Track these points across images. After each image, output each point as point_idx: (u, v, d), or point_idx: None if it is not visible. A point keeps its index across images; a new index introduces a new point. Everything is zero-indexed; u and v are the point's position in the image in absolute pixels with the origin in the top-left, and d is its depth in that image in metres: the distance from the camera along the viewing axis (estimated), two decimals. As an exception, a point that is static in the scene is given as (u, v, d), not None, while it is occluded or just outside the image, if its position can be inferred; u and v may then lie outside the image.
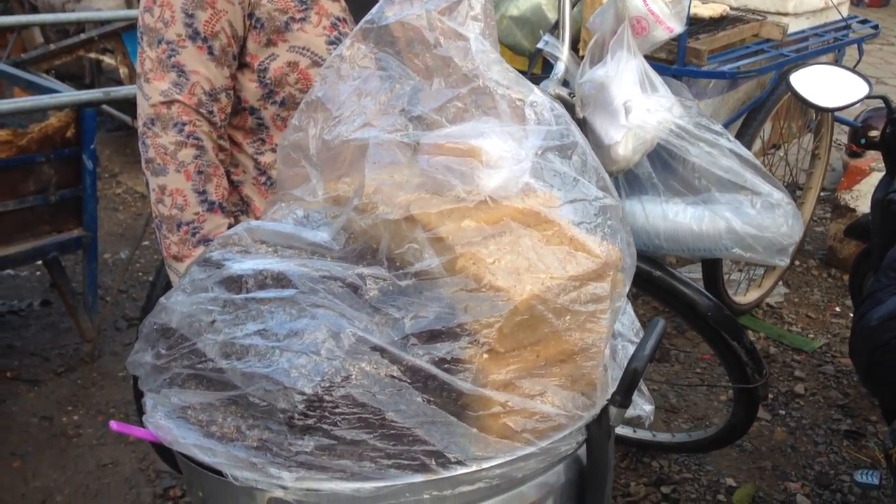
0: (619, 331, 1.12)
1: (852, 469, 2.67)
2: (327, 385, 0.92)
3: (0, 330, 3.50)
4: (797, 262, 4.00)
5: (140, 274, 4.00)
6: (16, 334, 3.48)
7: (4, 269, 3.22)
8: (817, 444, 2.81)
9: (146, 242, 4.19)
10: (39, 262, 3.67)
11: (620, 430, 2.63)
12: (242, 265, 1.04)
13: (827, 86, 2.33)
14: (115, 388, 3.14)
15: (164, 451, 2.34)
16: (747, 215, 2.06)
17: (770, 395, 3.05)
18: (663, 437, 2.74)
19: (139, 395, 1.08)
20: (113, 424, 1.02)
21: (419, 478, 0.91)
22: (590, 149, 1.05)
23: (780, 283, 3.75)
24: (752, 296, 3.57)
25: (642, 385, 1.06)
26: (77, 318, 3.22)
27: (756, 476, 2.67)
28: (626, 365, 0.99)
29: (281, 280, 1.01)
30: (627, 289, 1.04)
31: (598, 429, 1.01)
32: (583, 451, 1.05)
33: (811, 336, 3.47)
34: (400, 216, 1.00)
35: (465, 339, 0.94)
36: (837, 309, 3.68)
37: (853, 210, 3.83)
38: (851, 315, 3.60)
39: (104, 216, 4.48)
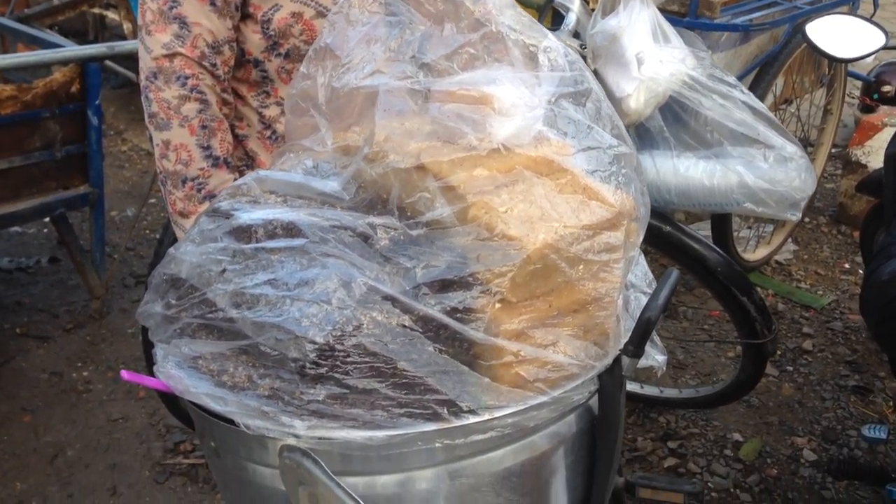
0: (632, 282, 1.11)
1: (859, 424, 2.68)
2: (339, 334, 0.91)
3: (8, 287, 3.51)
4: (807, 219, 3.98)
5: (147, 231, 3.99)
6: (24, 291, 3.49)
7: (12, 226, 3.22)
8: (825, 400, 2.82)
9: (153, 200, 4.18)
10: (47, 220, 3.67)
11: (628, 386, 2.63)
12: (252, 215, 1.03)
13: (843, 36, 2.29)
14: (125, 345, 3.16)
15: (173, 406, 2.35)
16: (760, 169, 2.03)
17: (778, 352, 3.05)
18: (670, 392, 2.75)
19: (149, 348, 1.08)
20: (124, 374, 1.02)
21: (431, 426, 0.91)
22: (604, 96, 1.03)
23: (790, 239, 3.73)
24: (761, 253, 3.56)
25: (655, 335, 1.06)
26: (85, 274, 3.23)
27: (763, 431, 2.68)
28: (639, 315, 0.98)
29: (291, 230, 1.00)
30: (641, 239, 1.03)
31: (610, 379, 1.00)
32: (594, 402, 1.04)
33: (820, 293, 3.46)
34: (411, 165, 0.99)
35: (477, 289, 0.94)
36: (847, 265, 3.66)
37: (865, 166, 3.80)
38: (861, 271, 3.58)
39: (110, 173, 4.47)
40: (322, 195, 1.04)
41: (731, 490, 2.43)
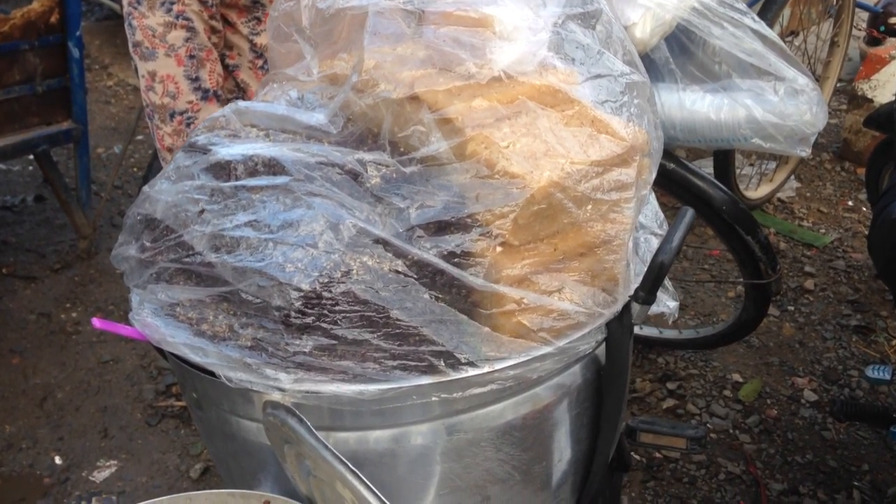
0: (642, 223, 1.04)
1: (861, 365, 2.64)
2: (326, 281, 0.84)
3: (-7, 226, 3.43)
4: (809, 156, 3.89)
5: (135, 169, 3.90)
6: (10, 230, 3.41)
7: (-6, 163, 3.13)
8: (826, 340, 2.78)
9: (140, 136, 4.08)
10: (31, 157, 3.58)
11: (627, 327, 2.59)
12: (231, 150, 0.95)
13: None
14: (114, 285, 3.09)
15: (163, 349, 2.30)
16: (769, 102, 1.94)
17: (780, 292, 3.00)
18: (670, 333, 2.71)
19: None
20: (95, 322, 0.95)
21: (427, 380, 0.85)
22: (615, 17, 0.94)
23: (792, 177, 3.66)
24: (763, 190, 3.48)
25: (667, 280, 0.99)
26: (71, 213, 3.15)
27: (763, 372, 2.64)
28: (651, 258, 0.91)
29: (273, 166, 0.92)
30: (654, 176, 0.95)
31: (618, 327, 0.93)
32: (601, 351, 0.98)
33: (822, 231, 3.40)
34: (403, 95, 0.90)
35: (477, 231, 0.86)
36: (850, 203, 3.59)
37: (870, 100, 3.70)
38: (865, 209, 3.52)
39: (95, 109, 4.35)
40: (307, 129, 0.96)
41: (731, 431, 2.40)
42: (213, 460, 1.13)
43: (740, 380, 2.60)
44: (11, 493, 2.23)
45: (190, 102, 1.51)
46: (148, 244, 0.96)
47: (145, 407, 2.53)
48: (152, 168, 2.19)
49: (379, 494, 0.76)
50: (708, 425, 2.43)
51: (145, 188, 0.99)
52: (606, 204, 0.89)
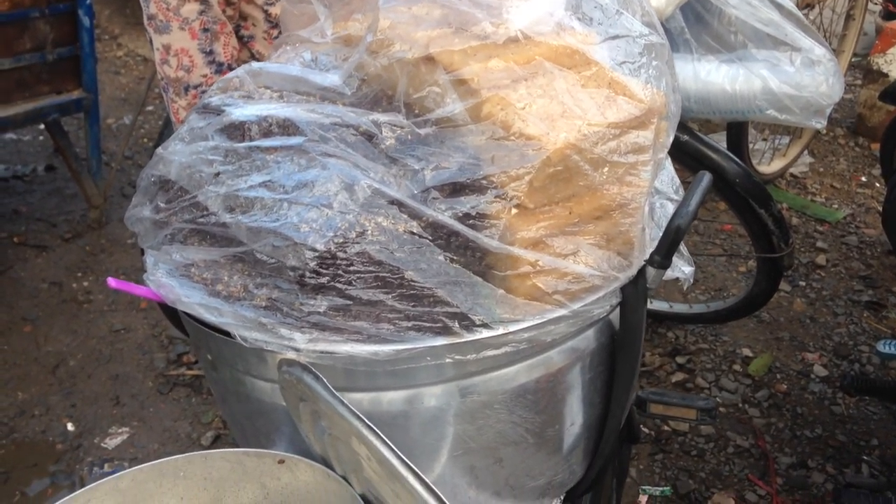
0: (658, 188, 1.03)
1: (872, 340, 2.64)
2: (341, 241, 0.84)
3: (5, 195, 3.44)
4: (823, 131, 3.86)
5: (145, 140, 3.90)
6: (21, 199, 3.42)
7: (4, 132, 3.13)
8: (837, 315, 2.77)
9: (150, 107, 4.07)
10: (42, 127, 3.58)
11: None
12: (245, 111, 0.94)
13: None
14: (125, 255, 3.10)
15: (175, 317, 2.31)
16: (785, 73, 1.92)
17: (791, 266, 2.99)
18: (680, 307, 2.70)
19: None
20: (111, 281, 0.95)
21: (441, 341, 0.84)
22: (635, -23, 0.93)
23: (805, 152, 3.63)
24: (777, 165, 3.46)
25: (682, 246, 0.98)
26: (82, 183, 3.15)
27: (773, 347, 2.64)
28: (667, 222, 0.90)
29: (287, 127, 0.91)
30: (671, 139, 0.94)
31: (634, 291, 0.93)
32: (615, 315, 0.98)
33: (835, 206, 3.38)
34: (418, 56, 0.90)
35: (492, 193, 0.85)
36: (863, 178, 3.57)
37: (886, 75, 3.66)
38: (878, 185, 3.49)
39: (105, 80, 4.35)
40: (321, 90, 0.95)
41: (740, 405, 2.40)
42: (227, 422, 1.14)
43: (750, 354, 2.60)
44: (25, 459, 2.25)
45: (204, 76, 1.50)
46: (162, 205, 0.96)
47: (157, 376, 2.54)
48: (162, 137, 2.18)
49: (394, 448, 0.76)
50: (717, 399, 2.43)
51: (159, 150, 0.99)
52: (623, 167, 0.88)
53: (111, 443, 2.30)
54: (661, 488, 2.13)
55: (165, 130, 2.15)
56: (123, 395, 2.47)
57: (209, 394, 2.47)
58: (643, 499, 2.12)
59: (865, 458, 2.20)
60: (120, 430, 2.35)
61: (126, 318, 2.79)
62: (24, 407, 2.42)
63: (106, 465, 2.23)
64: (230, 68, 1.53)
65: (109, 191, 3.32)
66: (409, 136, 0.89)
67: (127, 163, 3.65)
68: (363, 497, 0.88)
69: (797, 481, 2.13)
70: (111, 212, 3.32)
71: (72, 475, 2.19)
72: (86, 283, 2.96)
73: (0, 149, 3.73)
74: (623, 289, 0.93)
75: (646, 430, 2.30)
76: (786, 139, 3.48)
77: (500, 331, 0.86)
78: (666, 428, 2.32)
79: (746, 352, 2.61)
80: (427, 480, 0.76)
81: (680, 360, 2.58)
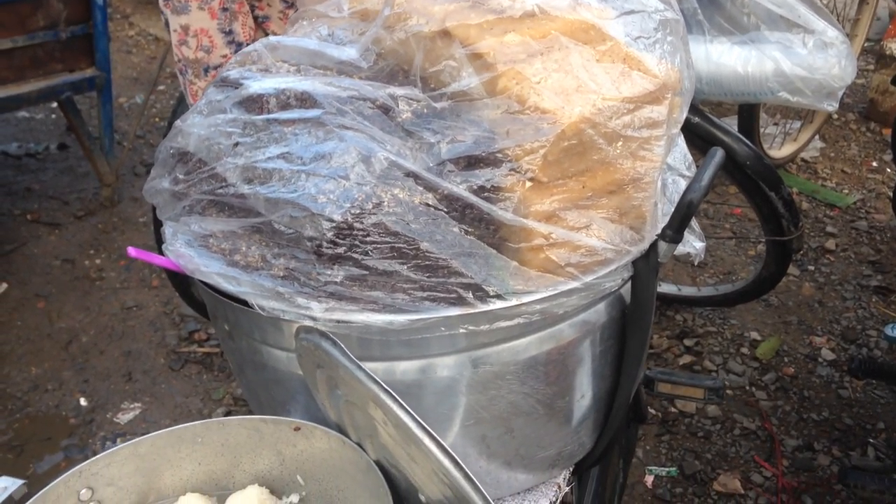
0: (670, 164, 1.04)
1: (880, 324, 2.64)
2: (357, 212, 0.85)
3: (18, 172, 3.46)
4: (835, 116, 3.85)
5: (157, 119, 3.91)
6: (34, 177, 3.44)
7: (17, 110, 3.14)
8: (845, 300, 2.78)
9: (162, 87, 4.08)
10: (54, 105, 3.59)
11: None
12: (263, 84, 0.95)
13: None
14: (137, 233, 3.13)
15: (187, 294, 2.33)
16: (797, 55, 1.92)
17: (800, 250, 2.99)
18: (689, 290, 2.71)
19: (159, 230, 1.02)
20: (131, 250, 0.96)
21: (455, 311, 0.86)
22: (650, -48, 0.93)
23: (817, 136, 3.62)
24: (787, 150, 3.46)
25: (694, 221, 0.99)
26: (94, 161, 3.17)
27: (781, 330, 2.65)
28: (680, 197, 0.91)
29: (305, 100, 0.92)
30: (685, 115, 0.95)
31: (645, 265, 0.94)
32: (626, 289, 0.99)
33: (845, 191, 3.37)
34: (435, 30, 0.90)
35: (507, 167, 0.86)
36: (874, 164, 3.56)
37: (899, 61, 3.64)
38: (889, 170, 3.49)
39: (118, 59, 4.36)
40: (338, 64, 0.96)
41: (747, 388, 2.42)
42: (243, 392, 1.15)
43: (758, 338, 2.61)
44: (38, 433, 2.28)
45: (224, 56, 1.50)
46: (181, 177, 0.97)
47: (168, 352, 2.57)
48: (175, 116, 2.19)
49: (410, 410, 0.77)
50: (725, 381, 2.45)
51: (177, 122, 1.00)
52: (637, 141, 0.89)
53: (123, 418, 2.33)
54: (667, 469, 2.15)
55: (178, 108, 2.16)
56: (135, 372, 2.50)
57: (220, 371, 2.50)
58: (649, 479, 2.14)
59: (871, 441, 2.22)
60: (132, 406, 2.38)
61: (138, 295, 2.82)
62: (38, 382, 2.46)
63: (118, 440, 2.26)
64: (248, 47, 1.53)
65: (121, 169, 3.33)
66: (425, 110, 0.90)
67: (139, 142, 3.67)
68: (378, 464, 0.90)
69: (803, 463, 2.15)
70: (123, 190, 3.34)
71: (84, 449, 2.23)
72: (98, 261, 2.99)
73: (13, 127, 3.75)
74: (635, 263, 0.94)
75: (653, 411, 2.32)
76: (797, 124, 3.47)
77: (513, 302, 0.87)
78: (673, 410, 2.33)
79: (754, 335, 2.62)
80: (443, 442, 0.77)
81: (688, 342, 2.59)
